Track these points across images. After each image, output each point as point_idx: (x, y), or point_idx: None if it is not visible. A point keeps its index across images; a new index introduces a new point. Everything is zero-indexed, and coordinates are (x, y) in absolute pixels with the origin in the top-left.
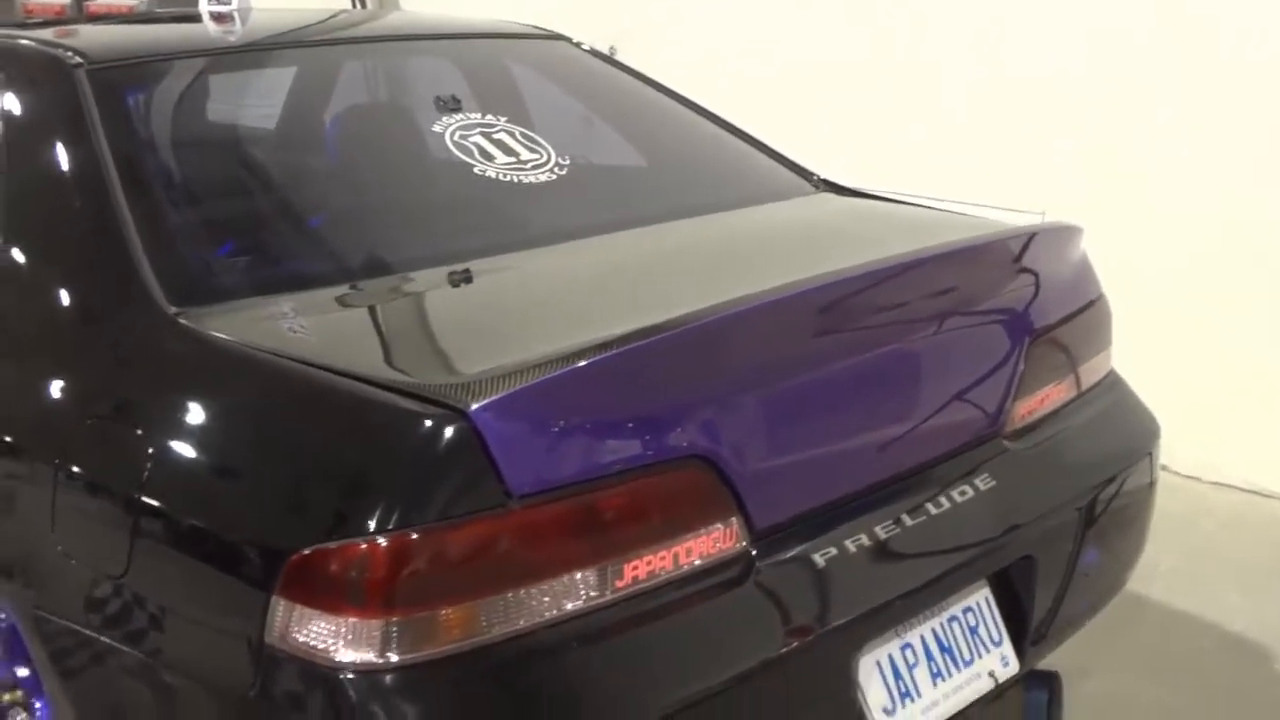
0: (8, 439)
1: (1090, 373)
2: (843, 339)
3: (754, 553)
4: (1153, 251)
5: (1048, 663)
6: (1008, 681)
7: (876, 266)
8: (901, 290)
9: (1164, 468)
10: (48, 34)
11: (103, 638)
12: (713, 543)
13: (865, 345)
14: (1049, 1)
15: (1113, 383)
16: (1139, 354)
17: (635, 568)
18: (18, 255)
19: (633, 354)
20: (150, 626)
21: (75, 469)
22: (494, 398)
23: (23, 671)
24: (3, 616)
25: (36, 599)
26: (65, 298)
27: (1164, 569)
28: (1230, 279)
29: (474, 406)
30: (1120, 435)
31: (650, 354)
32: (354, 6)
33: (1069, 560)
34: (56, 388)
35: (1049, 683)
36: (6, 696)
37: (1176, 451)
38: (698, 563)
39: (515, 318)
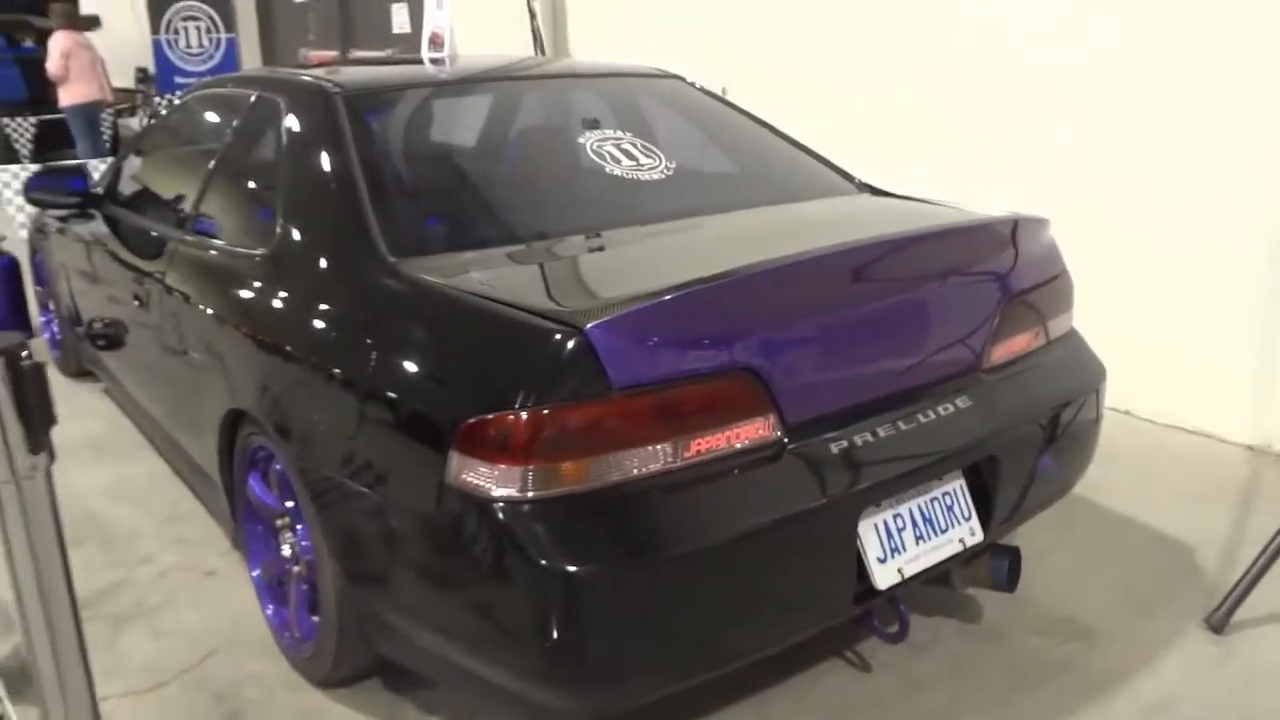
0: (288, 348)
1: (1053, 328)
2: (865, 289)
3: (785, 440)
4: (1126, 247)
5: (1011, 540)
6: (974, 547)
7: (893, 237)
8: (912, 256)
9: (1127, 412)
10: (320, 72)
11: (341, 480)
12: (755, 431)
13: (881, 295)
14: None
15: (1071, 337)
16: (1117, 323)
17: (699, 444)
18: (294, 227)
19: (701, 293)
20: (372, 473)
21: (326, 366)
22: (603, 320)
23: (290, 504)
24: (279, 467)
25: (300, 453)
26: (324, 253)
27: (1118, 488)
28: (1186, 266)
29: (588, 326)
30: (1073, 376)
31: (714, 293)
32: (535, 55)
33: (1027, 464)
34: (316, 312)
35: (1010, 554)
36: (279, 521)
37: (1138, 399)
38: (744, 444)
39: (628, 268)
